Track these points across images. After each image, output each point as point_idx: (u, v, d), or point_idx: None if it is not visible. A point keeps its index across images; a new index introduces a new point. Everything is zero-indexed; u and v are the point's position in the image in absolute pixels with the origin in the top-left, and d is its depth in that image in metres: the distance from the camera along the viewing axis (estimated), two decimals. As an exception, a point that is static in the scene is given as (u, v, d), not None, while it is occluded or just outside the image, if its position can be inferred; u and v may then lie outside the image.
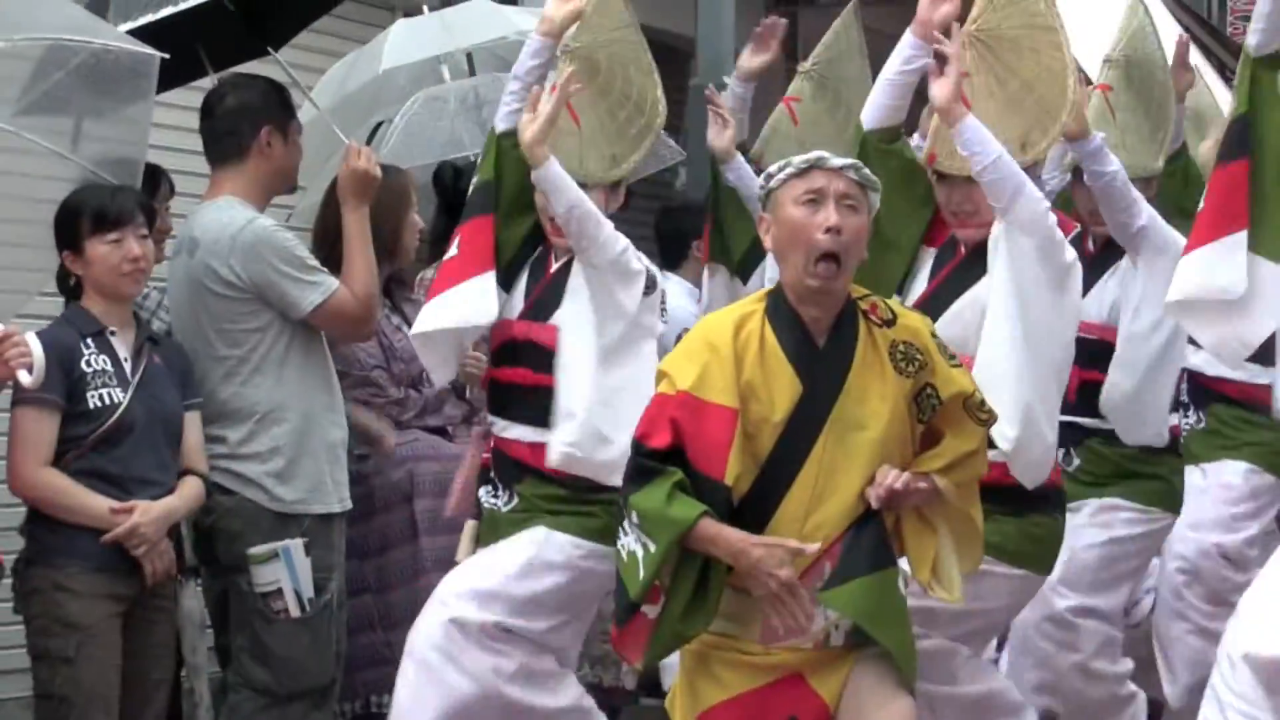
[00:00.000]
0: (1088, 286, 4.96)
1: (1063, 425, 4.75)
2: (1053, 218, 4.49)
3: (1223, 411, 5.97)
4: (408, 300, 5.63)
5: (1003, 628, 5.06)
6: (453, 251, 4.89)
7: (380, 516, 5.53)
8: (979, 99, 4.55)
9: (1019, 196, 4.38)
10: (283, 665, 4.80)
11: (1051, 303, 4.52)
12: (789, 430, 3.52)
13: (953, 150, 4.48)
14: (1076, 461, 5.16)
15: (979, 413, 3.62)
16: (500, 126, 4.77)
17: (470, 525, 4.97)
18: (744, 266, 5.44)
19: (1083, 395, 5.00)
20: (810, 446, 3.51)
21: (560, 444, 4.45)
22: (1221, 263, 4.11)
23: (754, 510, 3.51)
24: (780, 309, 3.54)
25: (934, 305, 4.53)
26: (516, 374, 4.69)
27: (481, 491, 4.73)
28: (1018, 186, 4.38)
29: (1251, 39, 4.14)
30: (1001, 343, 4.46)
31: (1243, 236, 4.09)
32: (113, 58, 4.82)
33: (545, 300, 4.71)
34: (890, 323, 3.57)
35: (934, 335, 3.64)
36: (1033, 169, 4.64)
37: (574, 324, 4.59)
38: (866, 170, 3.57)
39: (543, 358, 4.57)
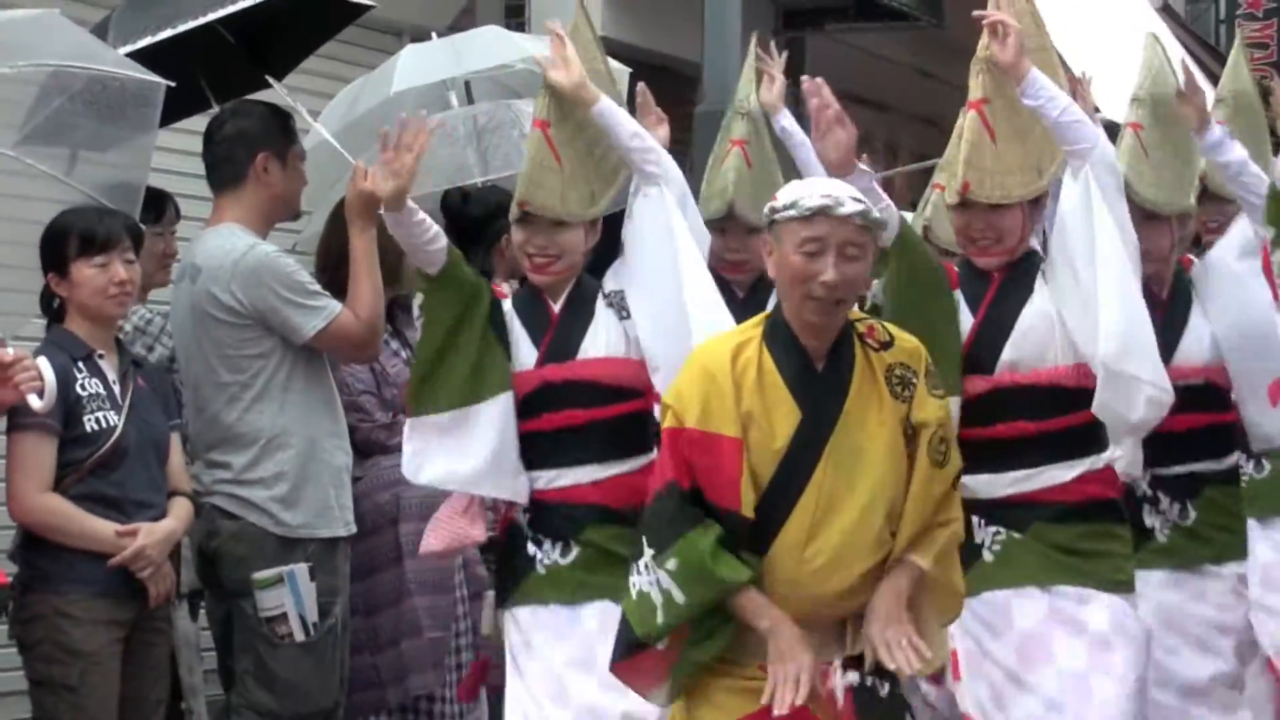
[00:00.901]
0: (1176, 332, 4.96)
1: (1177, 476, 4.89)
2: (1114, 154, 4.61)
3: None
4: (410, 325, 5.58)
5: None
6: None
7: (367, 539, 5.46)
8: (1000, 123, 4.56)
9: (1099, 137, 4.40)
10: (287, 689, 4.80)
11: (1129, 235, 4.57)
12: (788, 457, 3.50)
13: (983, 178, 4.49)
14: (1193, 515, 5.03)
15: (936, 450, 3.53)
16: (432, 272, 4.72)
17: (489, 596, 4.94)
18: None
19: (1192, 440, 4.92)
20: (810, 473, 3.48)
21: None
22: None
23: (755, 537, 3.48)
24: (778, 335, 3.52)
25: (993, 334, 4.54)
26: (562, 417, 4.62)
27: (530, 548, 4.62)
28: (1092, 131, 4.41)
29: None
30: (1117, 272, 4.46)
31: None
32: (118, 84, 4.84)
33: (564, 339, 4.67)
34: (888, 345, 3.55)
35: (927, 361, 3.61)
36: (1040, 201, 4.70)
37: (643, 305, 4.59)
38: (875, 213, 3.52)
39: (591, 393, 4.54)
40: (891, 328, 3.66)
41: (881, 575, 3.53)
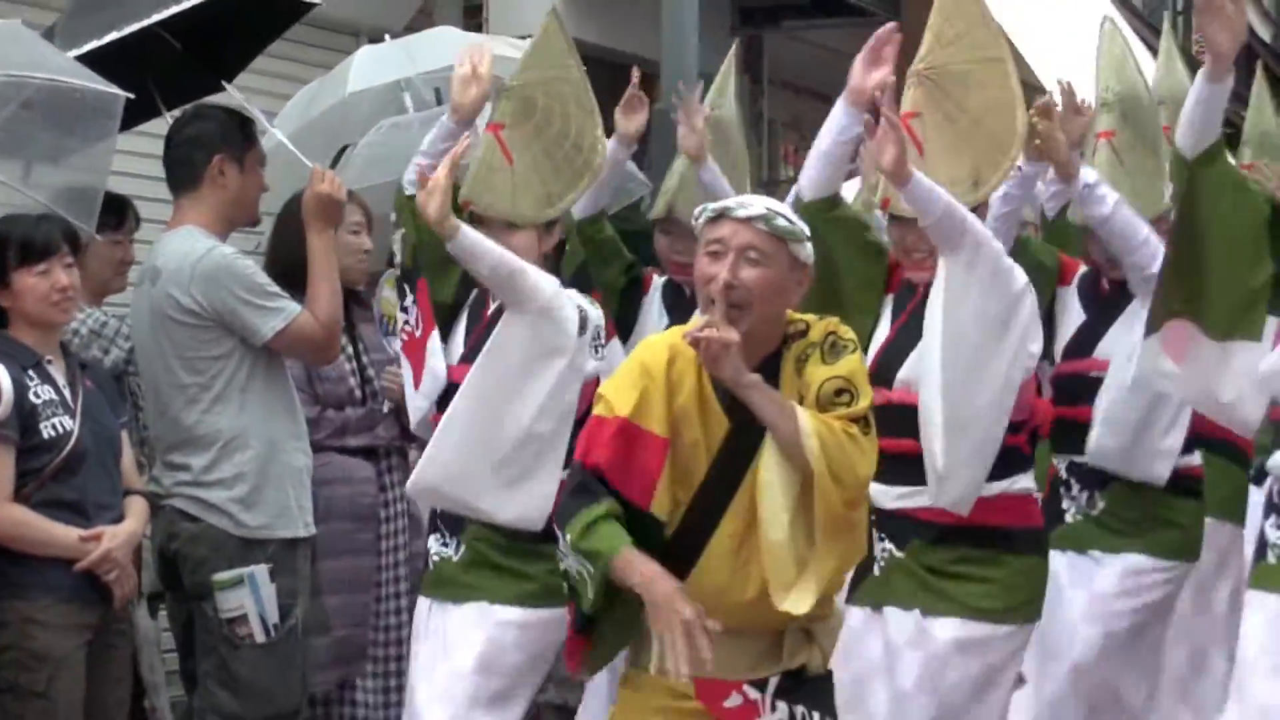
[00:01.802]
0: (1105, 325, 5.11)
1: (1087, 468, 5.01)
2: (999, 247, 4.45)
3: None
4: (366, 320, 5.62)
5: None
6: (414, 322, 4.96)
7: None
8: (930, 137, 4.52)
9: (964, 238, 4.35)
10: (249, 691, 4.78)
11: (988, 340, 4.45)
12: (717, 465, 3.48)
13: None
14: (1101, 504, 5.15)
15: (835, 400, 3.47)
16: (409, 190, 4.76)
17: None
18: None
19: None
20: (739, 482, 3.47)
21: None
22: None
23: (686, 545, 3.48)
24: None
25: (899, 348, 4.54)
26: None
27: (431, 541, 4.75)
28: (964, 230, 4.35)
29: (1184, 143, 4.27)
30: (929, 382, 4.43)
31: None
32: (77, 95, 4.83)
33: (483, 343, 4.70)
34: (804, 334, 3.52)
35: (831, 333, 3.54)
36: (979, 212, 4.62)
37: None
38: (782, 221, 3.46)
39: None
40: (809, 316, 3.63)
41: None
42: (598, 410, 3.54)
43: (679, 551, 3.43)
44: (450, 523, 4.70)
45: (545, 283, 4.49)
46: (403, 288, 5.13)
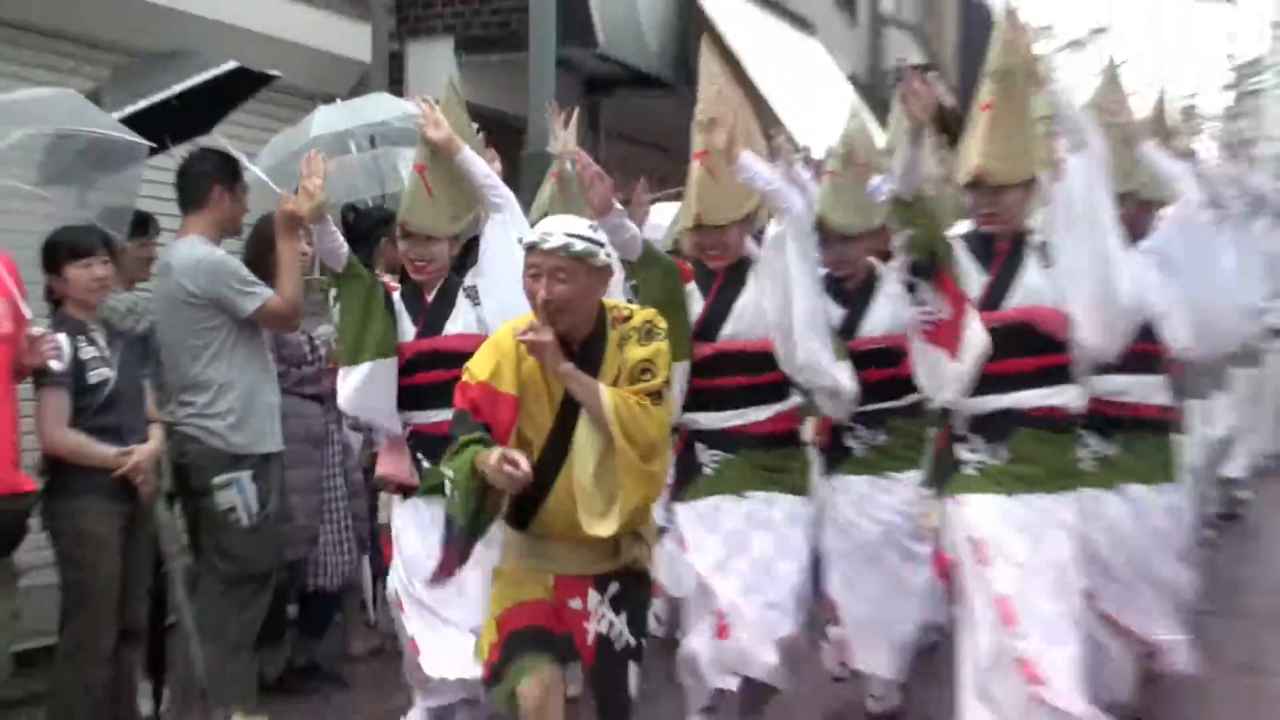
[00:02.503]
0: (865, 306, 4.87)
1: (871, 412, 4.74)
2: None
3: None
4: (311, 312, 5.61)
5: None
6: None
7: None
8: (719, 169, 4.52)
9: (796, 202, 4.45)
10: (238, 558, 4.91)
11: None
12: (554, 429, 3.44)
13: (710, 209, 4.54)
14: (883, 438, 4.89)
15: (639, 377, 3.42)
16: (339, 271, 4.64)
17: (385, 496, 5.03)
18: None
19: (882, 387, 4.76)
20: (572, 435, 3.41)
21: None
22: None
23: (542, 477, 3.39)
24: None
25: (718, 314, 4.58)
26: (433, 376, 4.54)
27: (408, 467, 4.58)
28: (792, 193, 4.44)
29: (901, 188, 4.06)
30: (802, 300, 4.43)
31: None
32: (112, 143, 4.91)
33: (433, 320, 4.64)
34: (628, 319, 3.51)
35: (648, 322, 3.49)
36: (750, 217, 4.68)
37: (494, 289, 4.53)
38: (578, 246, 3.38)
39: (452, 359, 4.28)
40: (634, 307, 3.65)
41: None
42: (464, 379, 3.47)
43: (538, 481, 3.35)
44: (429, 452, 4.49)
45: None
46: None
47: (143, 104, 5.39)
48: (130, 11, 6.76)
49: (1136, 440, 4.75)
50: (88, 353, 4.60)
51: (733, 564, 4.45)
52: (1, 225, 4.78)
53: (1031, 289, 4.10)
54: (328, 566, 5.80)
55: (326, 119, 6.36)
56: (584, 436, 3.36)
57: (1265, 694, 5.70)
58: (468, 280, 4.72)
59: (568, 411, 3.42)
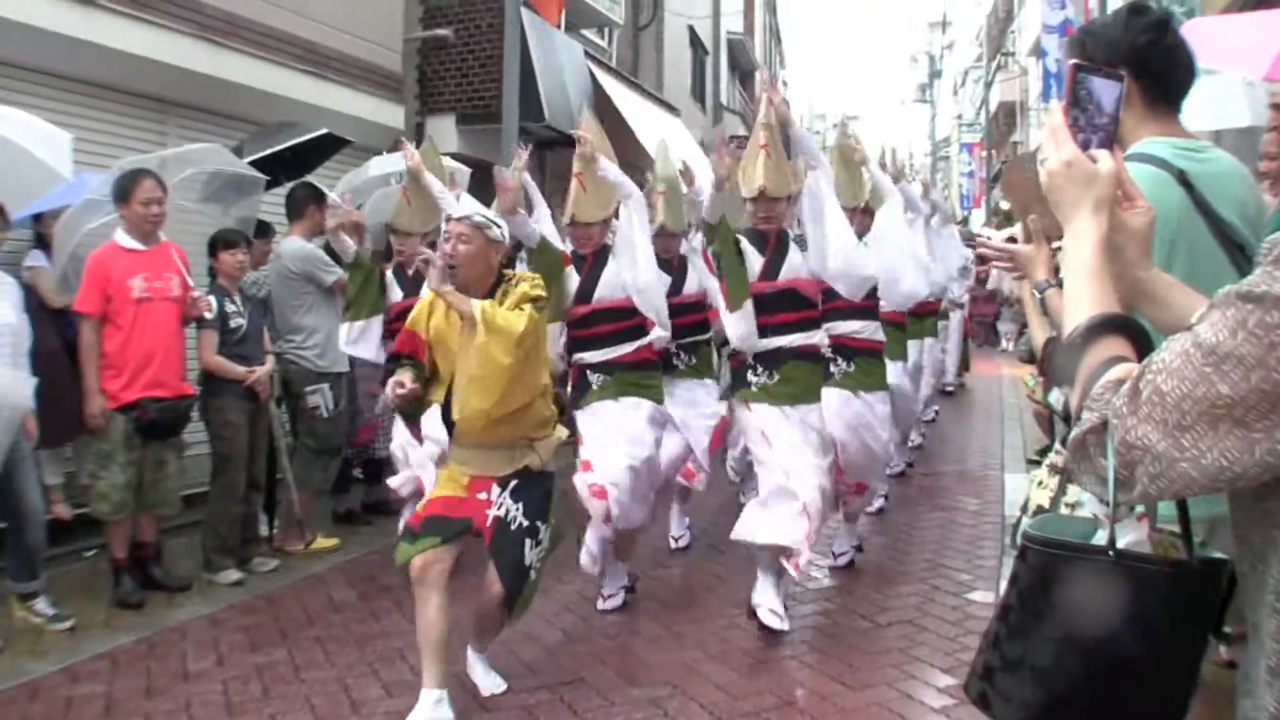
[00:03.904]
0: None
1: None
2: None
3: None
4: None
5: None
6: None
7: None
8: (589, 183, 4.27)
9: (633, 190, 4.19)
10: (320, 437, 5.19)
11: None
12: (460, 365, 3.17)
13: (582, 210, 4.28)
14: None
15: (516, 304, 3.11)
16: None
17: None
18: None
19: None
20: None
21: None
22: None
23: (451, 409, 3.19)
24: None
25: (589, 283, 4.33)
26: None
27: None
28: (627, 183, 4.22)
29: (708, 215, 3.94)
30: (639, 257, 4.20)
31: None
32: (244, 177, 5.19)
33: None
34: (514, 281, 3.23)
35: (527, 287, 3.15)
36: (608, 220, 4.37)
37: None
38: (478, 218, 3.17)
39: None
40: (522, 272, 3.35)
41: (528, 413, 3.20)
42: (406, 326, 3.31)
43: (450, 402, 3.19)
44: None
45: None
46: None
47: (266, 153, 5.64)
48: (254, 97, 7.00)
49: (864, 362, 4.86)
50: (229, 308, 4.82)
51: (612, 441, 4.20)
52: (176, 229, 4.82)
53: (793, 266, 4.12)
54: (381, 441, 5.72)
55: (377, 164, 6.39)
56: (468, 353, 3.09)
57: (951, 525, 5.65)
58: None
59: (462, 348, 3.15)
